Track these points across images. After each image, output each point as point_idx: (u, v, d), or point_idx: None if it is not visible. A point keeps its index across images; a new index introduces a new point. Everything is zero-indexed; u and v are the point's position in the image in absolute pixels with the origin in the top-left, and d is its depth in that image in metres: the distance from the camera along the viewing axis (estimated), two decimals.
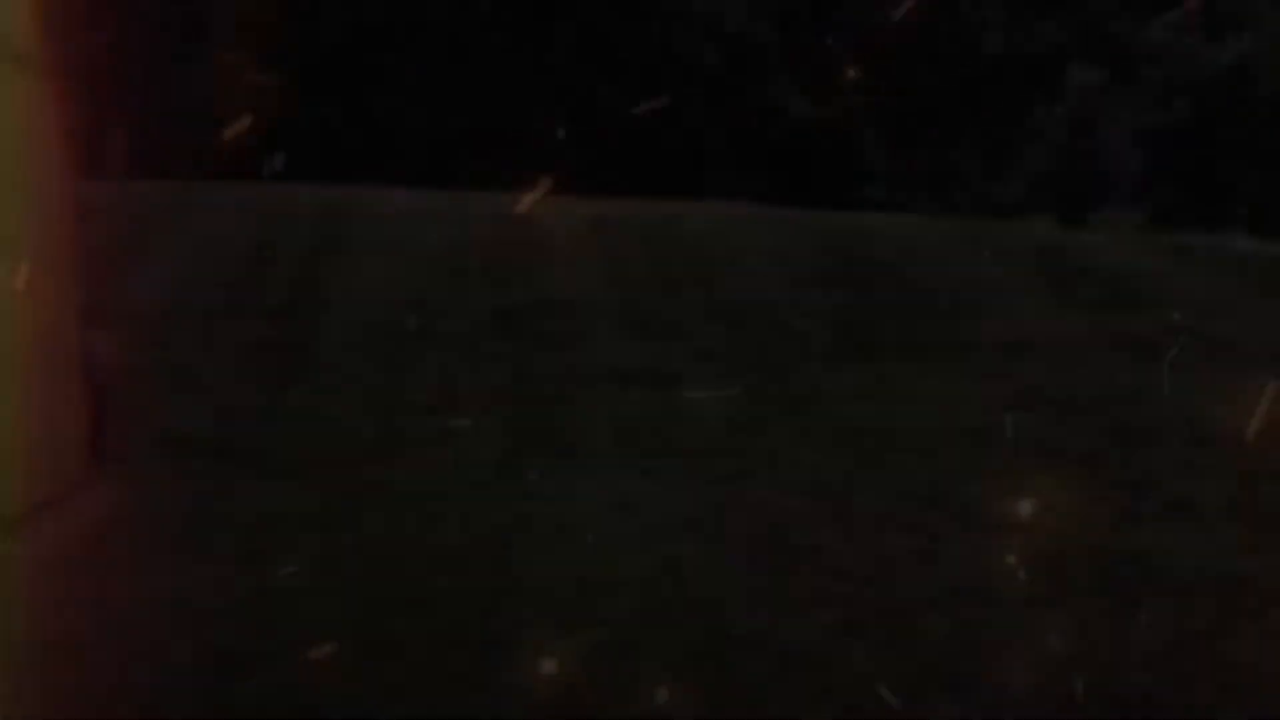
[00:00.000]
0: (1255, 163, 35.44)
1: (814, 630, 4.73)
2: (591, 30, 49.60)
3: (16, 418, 6.04)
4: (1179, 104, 36.19)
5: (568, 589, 5.22)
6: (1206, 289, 13.07)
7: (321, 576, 5.39)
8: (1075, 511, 6.53)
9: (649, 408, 9.40)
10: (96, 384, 7.77)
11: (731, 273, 13.28)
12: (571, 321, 11.71)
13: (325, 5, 44.04)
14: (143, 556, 5.70)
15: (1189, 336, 11.39)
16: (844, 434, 8.59)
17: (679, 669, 4.33)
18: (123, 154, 29.85)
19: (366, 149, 46.23)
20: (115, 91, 27.67)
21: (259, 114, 47.15)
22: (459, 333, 11.36)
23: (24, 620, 4.79)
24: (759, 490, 7.09)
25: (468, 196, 17.69)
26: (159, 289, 12.10)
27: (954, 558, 5.72)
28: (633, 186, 52.42)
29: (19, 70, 6.22)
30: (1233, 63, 35.57)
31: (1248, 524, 6.17)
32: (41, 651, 4.45)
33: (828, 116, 64.81)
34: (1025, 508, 6.61)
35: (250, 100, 47.04)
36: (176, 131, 41.20)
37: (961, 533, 6.14)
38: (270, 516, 6.45)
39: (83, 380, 7.39)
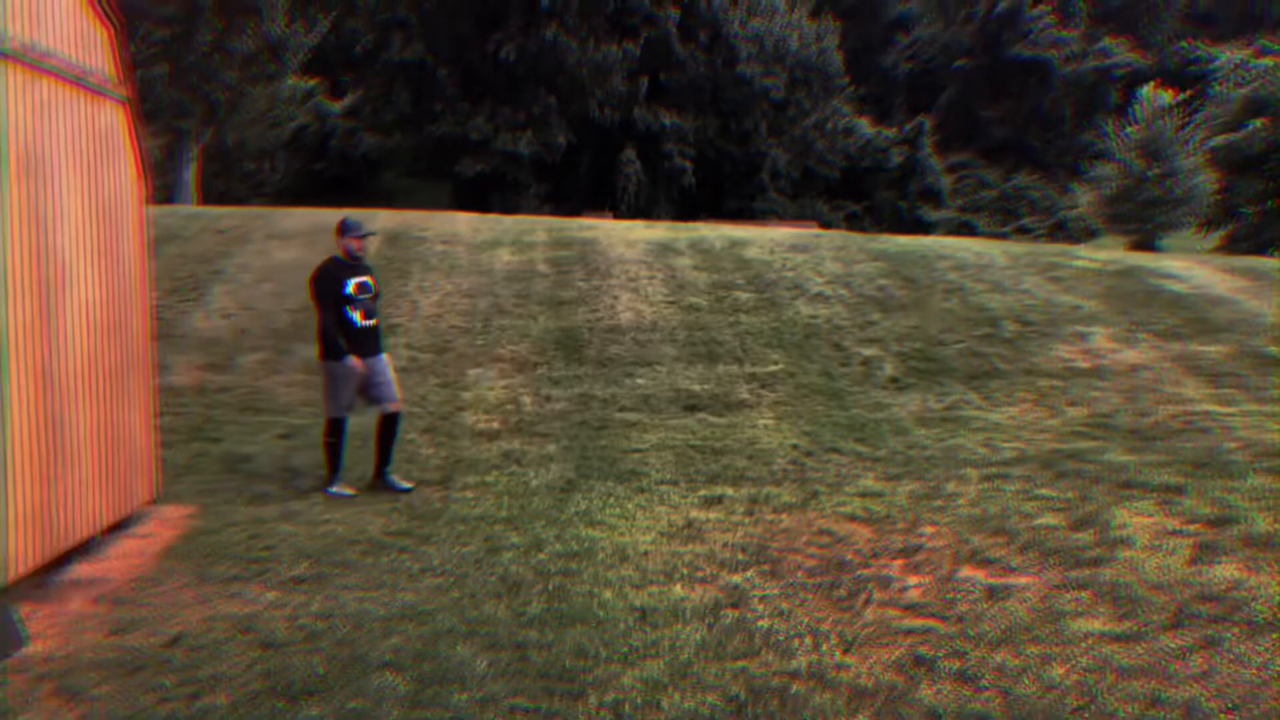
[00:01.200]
0: None
1: (880, 667, 4.62)
2: (657, 55, 49.90)
3: (93, 437, 6.15)
4: (1254, 124, 35.46)
5: (629, 619, 5.17)
6: None
7: (387, 600, 5.41)
8: (1149, 544, 6.35)
9: (711, 433, 9.34)
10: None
11: (798, 296, 13.18)
12: (637, 345, 11.69)
13: (394, 34, 44.72)
14: (210, 579, 5.76)
15: (1263, 362, 11.10)
16: (907, 461, 8.45)
17: (740, 703, 4.26)
18: (194, 180, 30.50)
19: (430, 172, 46.81)
20: (180, 119, 28.35)
21: (324, 140, 47.69)
22: (525, 356, 11.39)
23: (93, 644, 4.86)
24: (824, 518, 6.99)
25: (535, 221, 17.80)
26: (227, 312, 12.31)
27: (1025, 590, 5.57)
28: (700, 207, 52.60)
29: (108, 104, 6.36)
30: None
31: None
32: (109, 675, 4.50)
33: (893, 138, 64.40)
34: (1095, 539, 6.44)
35: (314, 127, 47.73)
36: (242, 157, 41.98)
37: (1033, 565, 5.99)
38: (335, 540, 6.49)
39: (155, 400, 7.50)
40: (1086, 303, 12.95)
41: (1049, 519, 6.85)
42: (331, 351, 7.66)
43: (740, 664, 4.63)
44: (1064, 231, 62.05)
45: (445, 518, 7.08)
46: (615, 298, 13.04)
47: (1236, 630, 4.99)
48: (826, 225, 62.87)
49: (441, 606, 5.35)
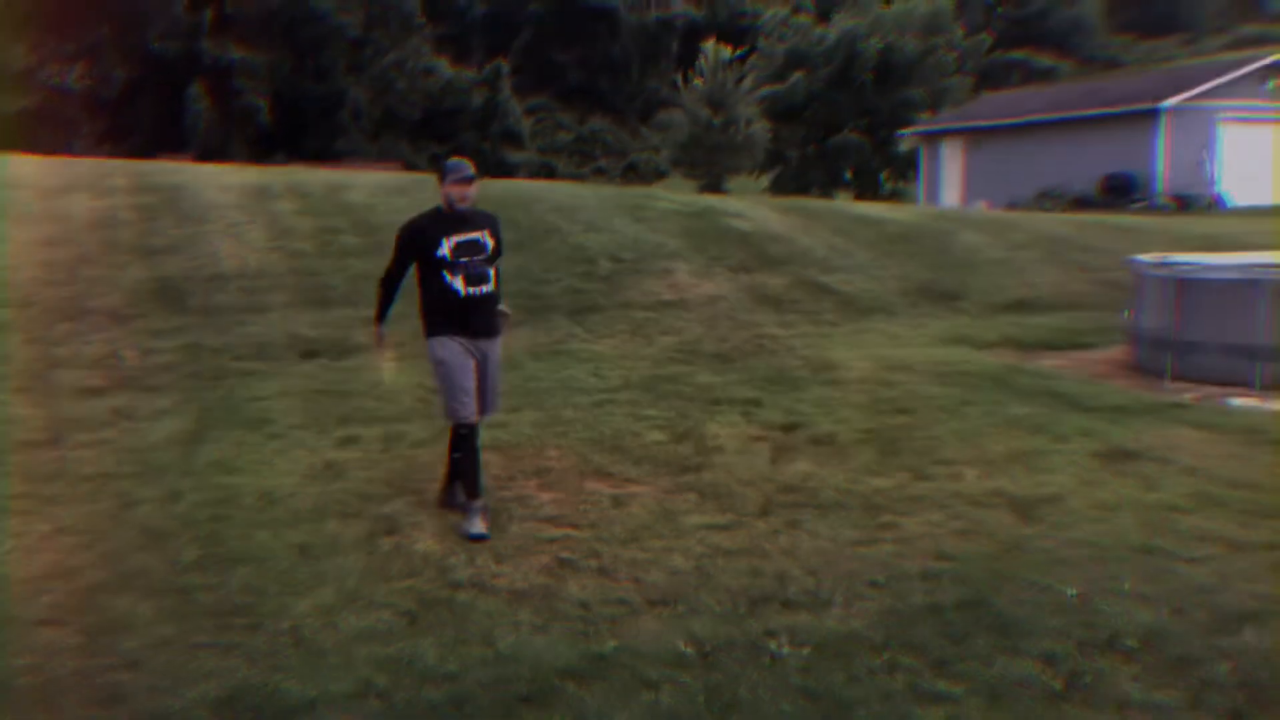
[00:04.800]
0: (859, 129, 39.31)
1: (532, 572, 5.19)
2: None
3: None
4: (795, 76, 39.48)
5: (291, 555, 5.38)
6: (828, 248, 14.64)
7: (26, 562, 5.24)
8: (738, 449, 7.39)
9: (334, 377, 9.48)
10: None
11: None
12: (245, 293, 11.45)
13: None
14: None
15: (814, 291, 12.83)
16: (526, 393, 9.08)
17: (414, 615, 4.66)
18: None
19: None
20: None
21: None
22: (120, 308, 10.83)
23: None
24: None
25: (110, 165, 16.64)
26: None
27: (644, 496, 6.35)
28: (278, 147, 49.98)
29: None
30: (839, 39, 39.19)
31: (877, 451, 7.23)
32: None
33: (474, 79, 64.75)
34: (694, 449, 7.40)
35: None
36: None
37: (648, 475, 6.80)
38: None
39: None
40: (670, 240, 14.22)
41: (656, 435, 7.74)
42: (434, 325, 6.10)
43: (406, 583, 5.02)
44: (636, 173, 65.73)
45: (66, 478, 6.79)
46: (214, 245, 12.61)
47: (811, 512, 6.05)
48: (411, 167, 62.33)
49: (87, 563, 5.27)
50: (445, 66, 68.74)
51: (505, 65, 69.44)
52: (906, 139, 35.18)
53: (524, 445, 7.51)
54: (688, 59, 73.03)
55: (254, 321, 10.75)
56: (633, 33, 73.06)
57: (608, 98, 72.11)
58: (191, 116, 49.54)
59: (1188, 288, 9.28)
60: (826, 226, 15.67)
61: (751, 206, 16.91)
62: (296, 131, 57.24)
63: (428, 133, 66.24)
